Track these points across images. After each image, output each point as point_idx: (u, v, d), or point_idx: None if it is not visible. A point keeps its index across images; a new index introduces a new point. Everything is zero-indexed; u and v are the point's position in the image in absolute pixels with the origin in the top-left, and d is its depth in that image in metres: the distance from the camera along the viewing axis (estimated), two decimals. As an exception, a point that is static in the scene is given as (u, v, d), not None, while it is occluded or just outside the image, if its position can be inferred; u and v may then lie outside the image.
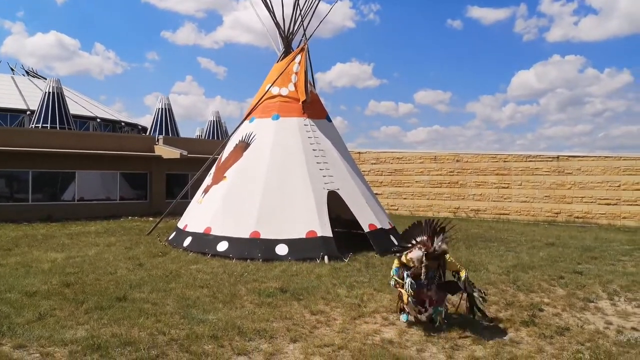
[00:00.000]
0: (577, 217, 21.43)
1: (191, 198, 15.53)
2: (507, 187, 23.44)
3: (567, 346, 6.00)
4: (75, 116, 33.18)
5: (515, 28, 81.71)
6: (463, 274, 6.68)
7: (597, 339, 6.28)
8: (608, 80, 76.52)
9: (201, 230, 12.49)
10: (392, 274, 6.86)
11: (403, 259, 6.67)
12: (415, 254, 6.49)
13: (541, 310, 7.55)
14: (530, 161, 22.84)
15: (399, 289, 6.66)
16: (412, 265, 6.52)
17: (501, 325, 6.79)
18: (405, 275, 6.55)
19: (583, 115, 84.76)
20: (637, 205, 20.19)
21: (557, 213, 22.02)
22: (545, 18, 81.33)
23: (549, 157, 22.43)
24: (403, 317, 6.79)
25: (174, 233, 13.95)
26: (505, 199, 23.48)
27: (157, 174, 24.52)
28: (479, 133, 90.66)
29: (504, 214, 23.37)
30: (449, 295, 6.92)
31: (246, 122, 14.59)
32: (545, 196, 22.33)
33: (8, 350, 5.59)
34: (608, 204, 20.82)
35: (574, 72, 79.57)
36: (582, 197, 21.42)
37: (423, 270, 6.40)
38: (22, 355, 5.50)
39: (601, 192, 20.97)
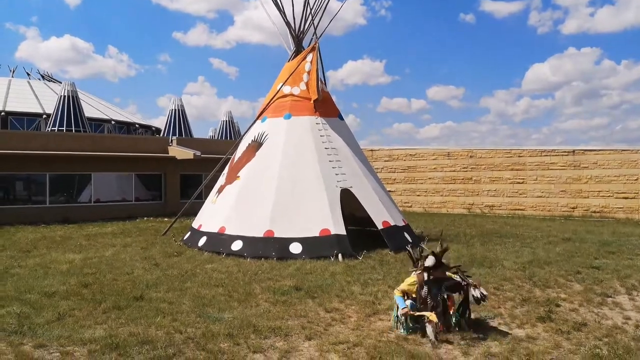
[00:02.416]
0: (594, 212, 21.16)
1: (205, 198, 15.64)
2: (522, 183, 23.22)
3: (584, 342, 5.94)
4: (90, 119, 33.60)
5: (529, 21, 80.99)
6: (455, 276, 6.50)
7: (615, 334, 6.21)
8: (625, 72, 75.46)
9: (215, 230, 12.58)
10: (396, 307, 6.45)
11: (404, 286, 6.52)
12: (418, 277, 6.44)
13: (558, 305, 7.48)
14: (546, 156, 22.60)
15: (424, 313, 6.19)
16: (415, 289, 6.41)
17: (517, 321, 6.74)
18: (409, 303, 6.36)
19: (600, 108, 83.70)
20: (655, 198, 19.89)
21: (573, 208, 21.76)
22: (560, 10, 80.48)
23: (565, 152, 22.17)
24: (403, 330, 6.37)
25: (189, 233, 14.07)
26: (520, 194, 23.27)
27: (171, 174, 24.73)
28: (493, 128, 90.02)
29: (519, 209, 23.16)
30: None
31: (258, 121, 14.65)
32: (561, 191, 22.08)
33: (29, 350, 5.70)
34: (626, 198, 20.52)
35: (590, 64, 78.62)
36: (599, 191, 21.14)
37: (426, 290, 6.29)
38: (43, 354, 5.61)
39: (618, 185, 20.67)
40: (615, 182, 20.75)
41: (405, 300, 6.40)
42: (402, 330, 6.33)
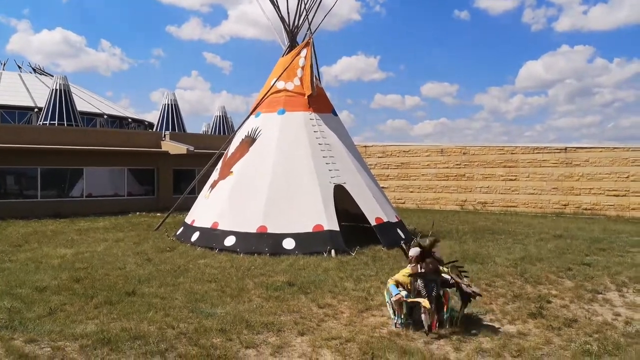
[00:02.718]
0: (586, 209, 21.31)
1: (198, 193, 15.58)
2: (514, 180, 23.34)
3: (575, 338, 5.99)
4: (83, 113, 33.36)
5: (523, 18, 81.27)
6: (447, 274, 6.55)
7: (605, 330, 6.27)
8: (618, 70, 75.95)
9: (208, 225, 12.55)
10: (390, 294, 6.45)
11: (398, 277, 6.55)
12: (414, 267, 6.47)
13: (549, 302, 7.54)
14: (538, 153, 22.71)
15: (418, 299, 6.27)
16: (409, 281, 6.45)
17: (509, 317, 6.79)
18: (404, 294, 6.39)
19: (592, 106, 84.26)
20: (646, 196, 20.06)
21: (565, 205, 21.90)
22: (554, 7, 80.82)
23: (557, 149, 22.29)
24: (398, 321, 6.41)
25: (182, 228, 14.02)
26: (512, 191, 23.39)
27: (164, 169, 24.62)
28: (486, 125, 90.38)
29: (511, 206, 23.27)
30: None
31: (252, 117, 14.60)
32: (553, 188, 22.21)
33: (20, 345, 5.66)
34: (616, 195, 20.68)
35: (582, 62, 79.09)
36: (591, 189, 21.29)
37: (420, 282, 6.32)
38: (34, 349, 5.57)
39: (609, 183, 20.83)
40: (606, 179, 20.90)
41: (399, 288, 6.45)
42: (397, 320, 6.34)
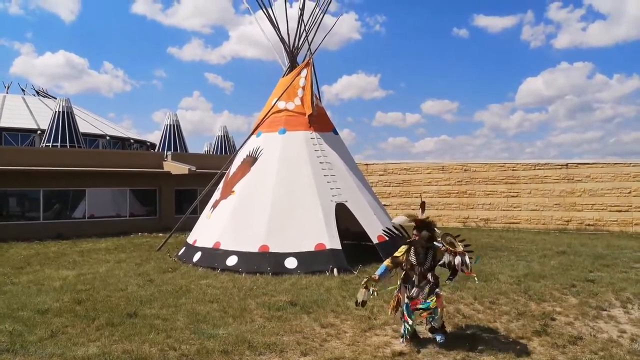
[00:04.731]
0: (588, 225, 21.23)
1: (200, 213, 15.60)
2: (516, 196, 23.31)
3: (580, 355, 5.94)
4: (85, 134, 33.53)
5: (522, 35, 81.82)
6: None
7: (611, 347, 6.21)
8: (617, 85, 76.21)
9: (210, 245, 12.54)
10: (377, 273, 6.45)
11: (396, 254, 6.57)
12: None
13: (553, 319, 7.49)
14: (539, 169, 22.72)
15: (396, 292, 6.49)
16: (404, 257, 6.48)
17: (513, 335, 6.74)
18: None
19: (593, 122, 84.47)
20: (648, 211, 20.00)
21: (567, 221, 21.84)
22: (552, 25, 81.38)
23: (558, 165, 22.31)
24: (406, 332, 6.48)
25: (184, 248, 14.01)
26: (514, 207, 23.34)
27: (166, 189, 24.67)
28: (487, 142, 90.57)
29: (514, 223, 23.21)
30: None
31: (253, 136, 14.70)
32: (556, 204, 22.17)
33: (21, 368, 5.63)
34: (619, 211, 20.63)
35: (582, 78, 79.47)
36: (593, 205, 21.24)
37: (413, 254, 6.44)
38: (35, 372, 5.54)
39: (612, 199, 20.79)
40: (608, 195, 20.87)
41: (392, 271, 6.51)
42: (405, 328, 6.34)
